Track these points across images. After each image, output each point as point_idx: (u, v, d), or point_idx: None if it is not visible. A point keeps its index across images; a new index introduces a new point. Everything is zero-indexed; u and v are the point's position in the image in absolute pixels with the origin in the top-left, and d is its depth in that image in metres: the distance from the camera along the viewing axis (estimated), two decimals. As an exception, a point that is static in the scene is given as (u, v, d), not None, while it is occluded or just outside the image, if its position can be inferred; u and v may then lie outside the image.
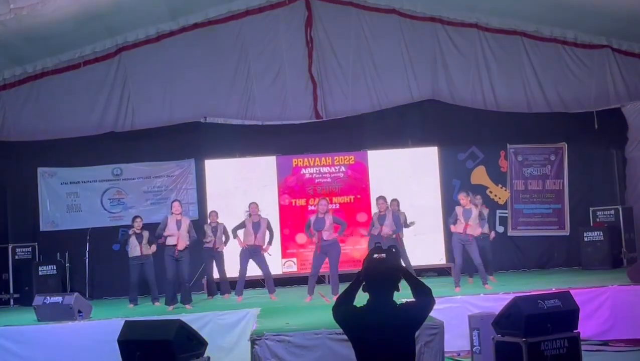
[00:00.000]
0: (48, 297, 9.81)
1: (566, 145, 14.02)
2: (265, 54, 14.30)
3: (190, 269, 11.10)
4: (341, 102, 14.35)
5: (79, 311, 9.64)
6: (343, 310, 3.83)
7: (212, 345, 7.38)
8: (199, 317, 9.41)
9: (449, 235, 12.52)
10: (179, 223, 10.79)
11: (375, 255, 3.88)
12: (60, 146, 13.43)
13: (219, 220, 11.90)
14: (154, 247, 11.23)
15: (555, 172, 14.05)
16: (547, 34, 14.36)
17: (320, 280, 11.54)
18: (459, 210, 10.89)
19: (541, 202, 14.06)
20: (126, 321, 6.91)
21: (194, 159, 13.71)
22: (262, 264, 11.21)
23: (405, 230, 11.76)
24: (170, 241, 10.73)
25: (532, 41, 14.44)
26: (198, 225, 12.19)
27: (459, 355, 8.97)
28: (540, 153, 14.12)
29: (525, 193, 14.09)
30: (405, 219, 11.85)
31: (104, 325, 9.25)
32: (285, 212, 13.44)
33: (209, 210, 12.61)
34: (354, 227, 13.27)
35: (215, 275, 12.06)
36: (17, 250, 13.00)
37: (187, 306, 10.55)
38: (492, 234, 11.83)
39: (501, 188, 14.05)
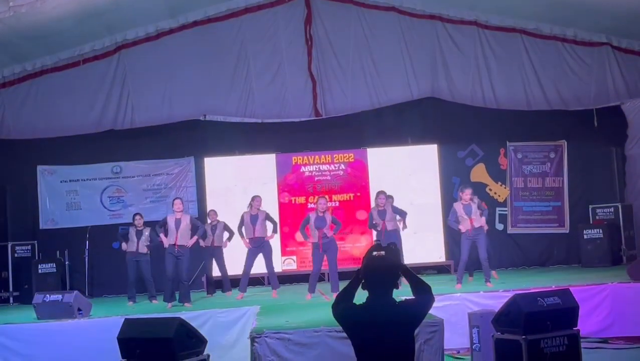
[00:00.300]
0: (48, 295, 9.81)
1: (566, 143, 14.01)
2: (264, 52, 14.30)
3: (189, 267, 11.10)
4: (341, 100, 14.35)
5: (79, 309, 9.65)
6: (342, 308, 3.82)
7: (211, 342, 7.38)
8: (198, 315, 9.42)
9: (448, 233, 12.55)
10: (178, 222, 10.79)
11: (375, 253, 3.88)
12: (60, 144, 13.44)
13: (219, 219, 11.92)
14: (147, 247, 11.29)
15: (554, 170, 14.04)
16: (547, 31, 14.34)
17: (320, 277, 11.52)
18: (458, 207, 10.85)
19: (541, 200, 14.06)
20: (126, 319, 6.91)
21: (194, 157, 13.71)
22: (268, 260, 11.22)
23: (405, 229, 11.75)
24: (170, 240, 10.73)
25: (531, 39, 14.42)
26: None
27: (458, 352, 8.98)
28: (540, 150, 14.12)
29: (525, 191, 14.08)
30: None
31: (104, 323, 9.26)
32: (284, 209, 13.44)
33: (208, 208, 12.62)
34: (354, 225, 13.29)
35: (216, 272, 12.07)
36: (17, 248, 12.99)
37: (186, 304, 10.55)
38: (486, 227, 11.70)
39: (501, 185, 14.05)
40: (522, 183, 14.09)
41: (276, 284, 11.29)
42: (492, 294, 9.56)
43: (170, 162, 13.74)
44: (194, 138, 13.65)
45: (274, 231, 11.47)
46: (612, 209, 13.40)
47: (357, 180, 13.61)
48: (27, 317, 9.97)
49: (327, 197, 11.64)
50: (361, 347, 3.74)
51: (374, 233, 11.43)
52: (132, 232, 11.37)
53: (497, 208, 13.88)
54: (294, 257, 13.28)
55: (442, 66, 14.45)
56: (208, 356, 6.63)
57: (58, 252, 13.06)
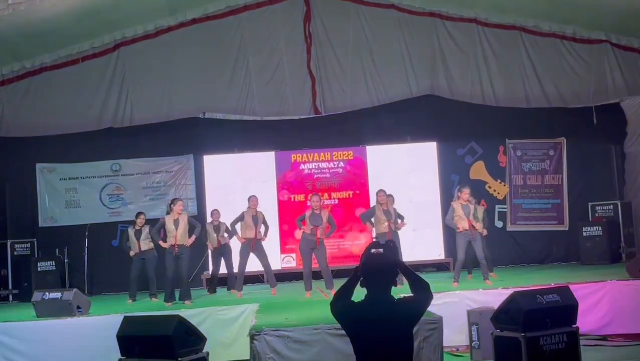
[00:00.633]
0: (47, 293, 9.80)
1: (565, 140, 14.01)
2: (263, 50, 14.30)
3: (189, 266, 11.09)
4: (340, 98, 14.35)
5: (78, 307, 9.63)
6: (341, 305, 3.82)
7: (211, 340, 7.40)
8: (198, 312, 9.41)
9: (447, 231, 12.52)
10: (176, 222, 10.75)
11: (373, 250, 3.88)
12: (59, 142, 13.43)
13: (221, 220, 11.92)
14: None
15: (554, 167, 14.05)
16: (546, 29, 14.34)
17: (319, 275, 11.52)
18: (456, 205, 10.85)
19: (540, 197, 14.06)
20: (125, 317, 6.93)
21: (193, 155, 13.70)
22: (263, 258, 11.21)
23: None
24: (169, 240, 10.70)
25: (530, 36, 14.42)
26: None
27: (457, 349, 8.98)
28: (539, 148, 14.11)
29: (524, 188, 14.09)
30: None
31: (103, 320, 9.24)
32: (284, 207, 13.44)
33: (208, 206, 12.62)
34: (353, 223, 13.27)
35: (222, 270, 12.07)
36: (16, 245, 13.00)
37: (186, 302, 10.54)
38: (485, 232, 11.70)
39: (500, 183, 14.05)
40: (522, 180, 14.09)
41: (274, 282, 11.30)
42: (491, 291, 9.55)
43: (169, 159, 13.74)
44: (193, 136, 13.65)
45: (264, 235, 11.39)
46: (611, 206, 13.41)
47: (356, 177, 13.61)
48: (26, 315, 9.96)
49: (320, 194, 11.58)
50: (360, 345, 3.74)
51: (373, 231, 11.39)
52: (131, 233, 11.35)
53: (497, 206, 13.89)
54: (293, 255, 13.26)
55: (442, 63, 14.46)
56: (207, 353, 6.64)
57: (57, 250, 13.06)
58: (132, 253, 11.29)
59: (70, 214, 13.49)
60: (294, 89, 14.29)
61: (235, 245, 11.62)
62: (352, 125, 13.89)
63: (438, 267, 13.49)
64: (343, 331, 3.90)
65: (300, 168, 13.61)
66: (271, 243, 11.73)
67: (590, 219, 13.43)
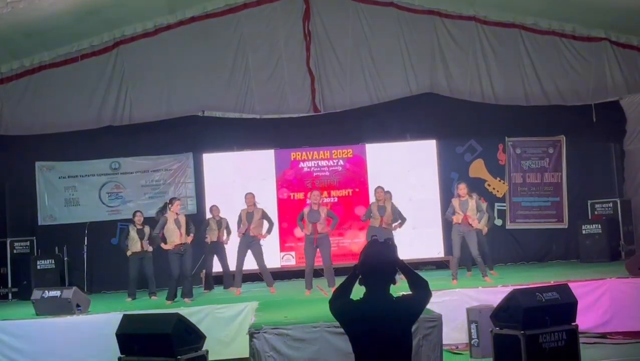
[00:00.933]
0: (46, 291, 9.80)
1: (564, 138, 14.01)
2: (263, 47, 14.29)
3: (192, 262, 11.10)
4: (339, 96, 14.35)
5: (77, 305, 9.64)
6: (339, 303, 3.82)
7: (210, 338, 7.39)
8: (197, 311, 9.41)
9: (447, 228, 12.52)
10: (177, 221, 10.73)
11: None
12: (58, 140, 13.44)
13: (222, 215, 11.91)
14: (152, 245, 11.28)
15: (553, 165, 14.04)
16: (545, 26, 14.34)
17: (319, 273, 11.53)
18: (455, 202, 10.86)
19: (539, 195, 14.06)
20: (124, 315, 6.93)
21: (192, 153, 13.70)
22: (258, 257, 11.18)
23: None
24: (174, 240, 10.67)
25: (530, 34, 14.42)
26: (198, 220, 12.20)
27: (457, 347, 8.98)
28: (539, 146, 14.11)
29: (524, 186, 14.09)
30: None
31: (103, 318, 9.25)
32: (283, 205, 13.43)
33: (207, 204, 12.61)
34: (352, 221, 13.27)
35: (217, 268, 12.05)
36: (16, 244, 13.00)
37: (186, 300, 10.54)
38: (485, 229, 11.72)
39: (499, 181, 14.05)
40: (521, 178, 14.09)
41: (271, 281, 11.26)
42: (490, 289, 9.56)
43: (168, 157, 13.74)
44: (193, 134, 13.65)
45: (268, 231, 11.38)
46: (610, 204, 13.41)
47: (355, 175, 13.59)
48: (25, 313, 9.97)
49: (319, 191, 11.56)
50: (358, 343, 3.74)
51: (370, 228, 11.38)
52: (132, 231, 11.35)
53: (496, 204, 13.87)
54: (293, 253, 13.27)
55: (441, 61, 14.45)
56: (207, 351, 6.64)
57: (57, 248, 13.07)
58: (128, 253, 11.29)
59: (69, 212, 13.49)
60: (293, 87, 14.28)
61: (236, 243, 11.63)
62: (352, 123, 13.90)
63: (437, 265, 13.48)
64: (342, 330, 3.89)
65: (300, 166, 13.60)
66: (271, 241, 11.70)
67: (590, 217, 13.44)
